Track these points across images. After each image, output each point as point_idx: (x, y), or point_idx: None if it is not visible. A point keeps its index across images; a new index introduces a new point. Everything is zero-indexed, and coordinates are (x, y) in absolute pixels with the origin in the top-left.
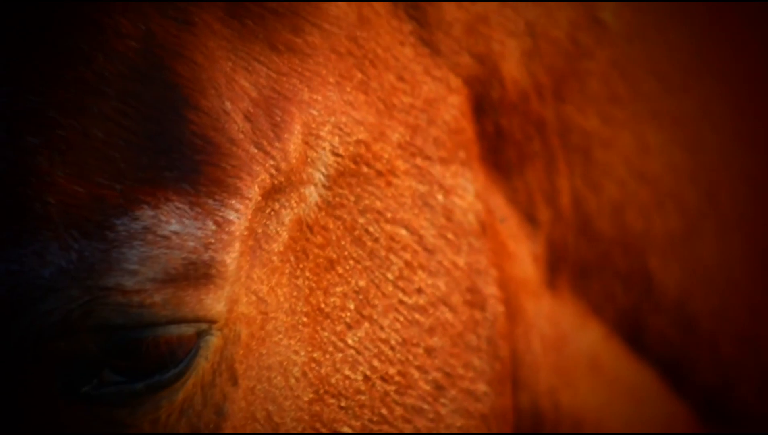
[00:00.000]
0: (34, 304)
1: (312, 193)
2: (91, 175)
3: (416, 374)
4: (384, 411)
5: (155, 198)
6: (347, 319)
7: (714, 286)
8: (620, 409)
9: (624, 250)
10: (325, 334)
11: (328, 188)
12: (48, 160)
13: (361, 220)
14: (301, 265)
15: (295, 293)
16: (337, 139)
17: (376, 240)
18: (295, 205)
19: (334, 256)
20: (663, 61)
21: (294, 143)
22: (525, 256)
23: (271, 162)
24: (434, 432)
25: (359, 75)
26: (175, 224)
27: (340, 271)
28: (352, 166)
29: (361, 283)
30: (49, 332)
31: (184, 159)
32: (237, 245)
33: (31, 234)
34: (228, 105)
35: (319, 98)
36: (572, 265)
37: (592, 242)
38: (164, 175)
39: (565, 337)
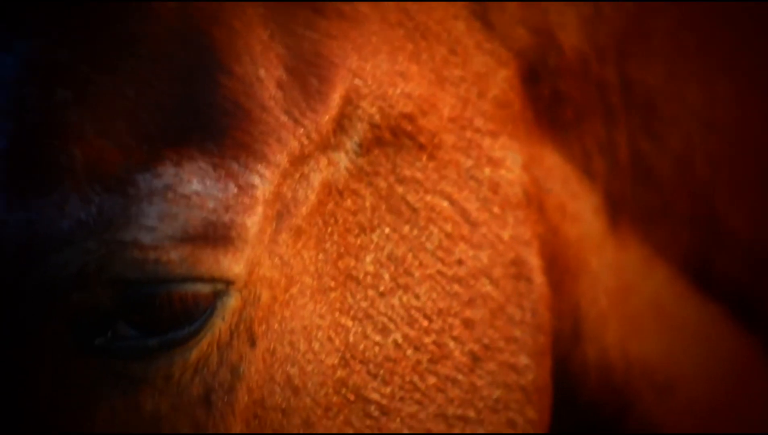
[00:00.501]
0: (50, 256)
1: (342, 159)
2: (119, 132)
3: (452, 345)
4: (416, 379)
5: (179, 156)
6: (380, 287)
7: None
8: (689, 353)
9: (689, 197)
10: (355, 299)
11: (361, 155)
12: (77, 115)
13: (400, 190)
14: (329, 230)
15: (322, 257)
16: (377, 110)
17: (415, 210)
18: (324, 169)
19: (368, 223)
20: (737, 9)
21: (328, 114)
22: (585, 212)
23: (302, 130)
24: (468, 402)
25: (411, 46)
26: (196, 184)
27: (374, 238)
28: (390, 137)
29: (398, 251)
30: (64, 284)
31: (212, 122)
32: (260, 209)
33: (53, 185)
34: (262, 72)
35: (368, 67)
36: (634, 213)
37: (654, 191)
38: (191, 137)
39: (630, 287)
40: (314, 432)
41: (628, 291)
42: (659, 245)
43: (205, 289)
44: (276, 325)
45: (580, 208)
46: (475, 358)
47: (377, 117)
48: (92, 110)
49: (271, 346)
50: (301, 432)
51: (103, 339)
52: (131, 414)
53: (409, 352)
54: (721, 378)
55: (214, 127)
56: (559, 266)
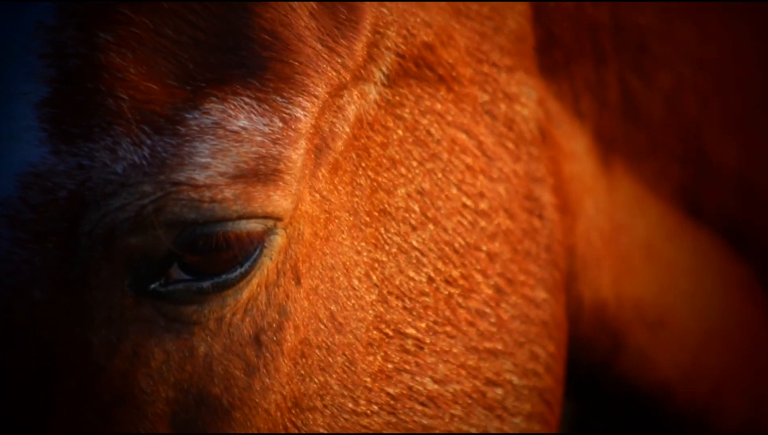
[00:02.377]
0: (106, 200)
1: (372, 91)
2: (162, 73)
3: (479, 278)
4: (448, 313)
5: (224, 93)
6: (411, 220)
7: None
8: (680, 288)
9: (678, 134)
10: (389, 234)
11: (388, 87)
12: (120, 57)
13: (423, 121)
14: (363, 164)
15: (357, 192)
16: (401, 39)
17: (438, 142)
18: (356, 101)
19: (397, 155)
20: None
21: (360, 41)
22: (579, 153)
23: (338, 59)
24: (496, 335)
25: None
26: (243, 120)
27: (403, 171)
28: (414, 68)
29: (425, 184)
30: (121, 227)
31: (252, 56)
32: (303, 142)
33: (103, 129)
34: (294, 2)
35: None
36: (624, 152)
37: (644, 129)
38: (233, 73)
39: (622, 227)
40: (356, 368)
41: (620, 231)
42: (650, 182)
43: (257, 227)
44: (318, 263)
45: (574, 148)
46: (499, 292)
47: (402, 46)
48: (134, 52)
49: (314, 284)
50: (345, 367)
51: (157, 283)
52: (185, 357)
53: (441, 286)
54: (713, 311)
55: (255, 60)
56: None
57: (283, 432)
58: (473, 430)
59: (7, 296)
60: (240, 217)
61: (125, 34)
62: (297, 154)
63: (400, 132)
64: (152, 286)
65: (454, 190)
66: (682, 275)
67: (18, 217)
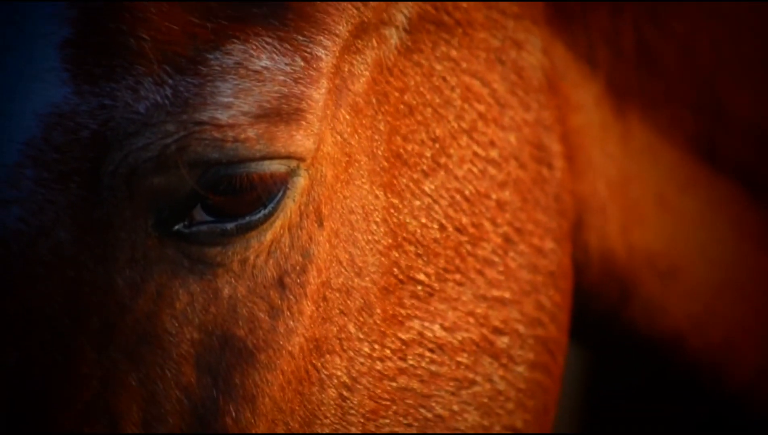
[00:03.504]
0: (129, 139)
1: (393, 35)
2: (183, 12)
3: (488, 226)
4: (458, 261)
5: (245, 33)
6: (424, 167)
7: None
8: (692, 238)
9: (693, 82)
10: (403, 180)
11: (408, 32)
12: None
13: (439, 67)
14: (382, 109)
15: (376, 137)
16: None
17: (452, 88)
18: (376, 45)
19: (413, 101)
20: None
21: None
22: (588, 102)
23: None
24: (504, 284)
25: None
26: (265, 59)
27: (419, 117)
28: (432, 11)
29: (438, 131)
30: (144, 167)
31: None
32: (324, 82)
33: (125, 69)
34: None
35: None
36: (639, 100)
37: (658, 77)
38: (253, 12)
39: (634, 177)
40: (372, 312)
41: (631, 180)
42: (664, 131)
43: (280, 168)
44: (338, 206)
45: (582, 98)
46: (508, 240)
47: None
48: None
49: (335, 227)
50: (363, 312)
51: (181, 225)
52: (209, 299)
53: (452, 233)
54: (726, 261)
55: None
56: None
57: (305, 375)
58: (478, 378)
59: (31, 235)
60: (263, 158)
61: None
62: (319, 94)
63: (417, 78)
64: (176, 227)
65: (466, 138)
66: (695, 225)
67: (41, 157)
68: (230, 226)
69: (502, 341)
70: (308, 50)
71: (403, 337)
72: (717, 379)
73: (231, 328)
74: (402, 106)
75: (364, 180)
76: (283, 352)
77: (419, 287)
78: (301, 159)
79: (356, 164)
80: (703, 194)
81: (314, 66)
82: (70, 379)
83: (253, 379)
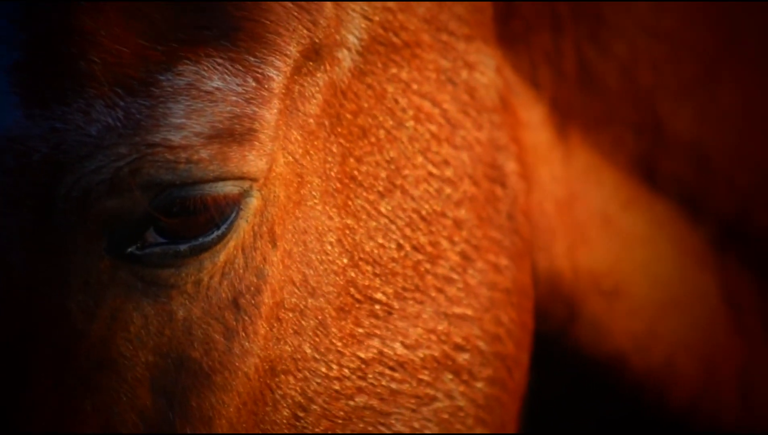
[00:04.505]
0: (82, 162)
1: (345, 57)
2: (133, 34)
3: (446, 244)
4: (416, 279)
5: (196, 55)
6: (379, 188)
7: (730, 123)
8: (635, 257)
9: (633, 103)
10: (359, 201)
11: (361, 54)
12: (91, 20)
13: (390, 89)
14: (335, 131)
15: (329, 159)
16: (365, 3)
17: (403, 110)
18: (329, 67)
19: (366, 124)
20: None
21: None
22: (535, 122)
23: (308, 17)
24: (464, 301)
25: None
26: (217, 80)
27: (373, 139)
28: (381, 32)
29: (392, 153)
30: (97, 190)
31: (223, 15)
32: (276, 102)
33: (76, 92)
34: None
35: None
36: (580, 121)
37: (599, 98)
38: (204, 34)
39: (577, 196)
40: (328, 332)
41: (575, 201)
42: (606, 151)
43: (233, 189)
44: (291, 226)
45: (530, 118)
46: (466, 258)
47: (368, 8)
48: (104, 13)
49: (289, 247)
50: (318, 332)
51: (134, 247)
52: (164, 322)
53: (410, 252)
54: (668, 280)
55: (227, 20)
56: None
57: (260, 396)
58: (439, 394)
59: None
60: (216, 179)
61: None
62: (270, 114)
63: (370, 100)
64: (129, 249)
65: (420, 158)
66: (638, 244)
67: None
68: (183, 247)
69: (463, 357)
70: (260, 71)
71: (362, 355)
72: (659, 398)
73: (186, 350)
74: (355, 129)
75: (316, 201)
76: (239, 373)
77: (377, 306)
78: (254, 179)
79: (308, 185)
80: (645, 214)
81: (266, 86)
82: (24, 407)
83: (209, 401)
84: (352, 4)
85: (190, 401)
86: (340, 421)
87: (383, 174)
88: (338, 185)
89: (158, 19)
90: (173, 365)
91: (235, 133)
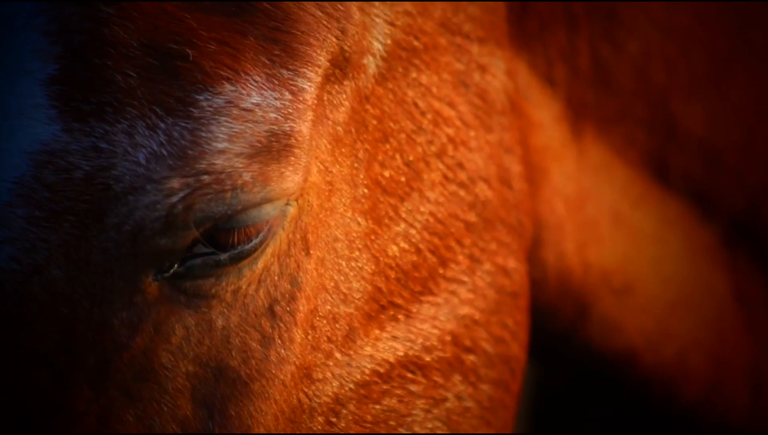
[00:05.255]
0: (134, 194)
1: (370, 63)
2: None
3: (457, 247)
4: (431, 283)
5: (233, 72)
6: (400, 192)
7: (740, 120)
8: (646, 254)
9: (646, 100)
10: (383, 206)
11: (384, 60)
12: (124, 30)
13: (410, 93)
14: (361, 137)
15: (356, 165)
16: (388, 8)
17: (423, 113)
18: (356, 74)
19: (388, 128)
20: None
21: (354, 6)
22: (548, 121)
23: (336, 25)
24: (474, 303)
25: None
26: (255, 96)
27: (394, 144)
28: (404, 36)
29: (411, 156)
30: (152, 228)
31: (256, 25)
32: (310, 114)
33: (117, 109)
34: None
35: None
36: (594, 118)
37: (613, 95)
38: (238, 48)
39: (589, 194)
40: (357, 337)
41: (587, 198)
42: (618, 148)
43: (275, 212)
44: (324, 234)
45: (542, 117)
46: (475, 260)
47: (390, 14)
48: (136, 24)
49: (322, 255)
50: (348, 338)
51: (177, 264)
52: (204, 331)
53: (427, 255)
54: (678, 277)
55: (260, 30)
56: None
57: (296, 403)
58: (449, 395)
59: (24, 273)
60: (262, 201)
61: (126, 6)
62: (305, 127)
63: (392, 105)
64: (173, 269)
65: (437, 161)
66: (649, 242)
67: (32, 195)
68: (224, 256)
69: (471, 359)
70: (294, 83)
71: (388, 359)
72: (669, 394)
73: (225, 359)
74: (379, 134)
75: (346, 208)
76: (276, 381)
77: (398, 310)
78: (291, 194)
79: (338, 193)
80: (656, 211)
81: (300, 99)
82: (67, 418)
83: (248, 409)
84: (376, 11)
85: (229, 410)
86: (368, 425)
87: (403, 178)
88: (365, 191)
89: (194, 27)
90: (212, 375)
91: (273, 150)
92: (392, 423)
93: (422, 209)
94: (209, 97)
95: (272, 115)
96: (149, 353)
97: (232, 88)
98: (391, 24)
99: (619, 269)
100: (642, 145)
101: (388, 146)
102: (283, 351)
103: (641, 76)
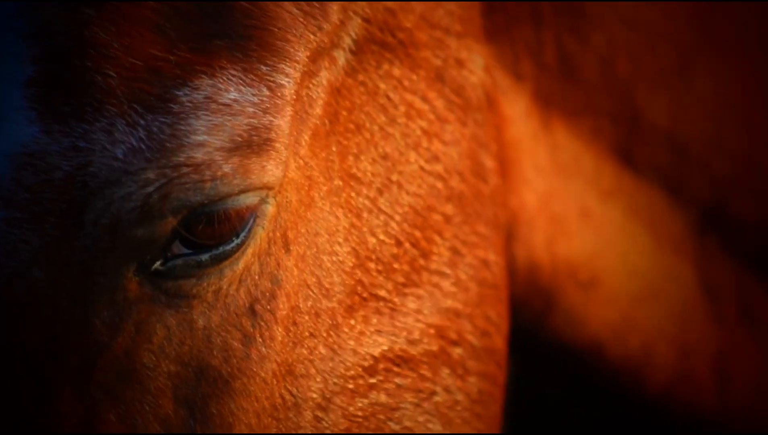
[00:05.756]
0: (110, 187)
1: (340, 57)
2: (145, 45)
3: (438, 240)
4: (414, 275)
5: (211, 67)
6: (378, 184)
7: (706, 112)
8: (613, 248)
9: (611, 92)
10: (360, 199)
11: (354, 53)
12: (104, 31)
13: (383, 86)
14: (334, 129)
15: (331, 157)
16: (367, 4)
17: (396, 106)
18: (328, 67)
19: (360, 120)
20: None
21: (334, 3)
22: (518, 116)
23: (314, 22)
24: (457, 296)
25: None
26: (233, 92)
27: (367, 136)
28: (378, 33)
29: (387, 148)
30: (128, 219)
31: (233, 24)
32: (288, 109)
33: (96, 109)
34: None
35: None
36: (562, 111)
37: (579, 88)
38: (215, 43)
39: (559, 188)
40: (341, 331)
41: (556, 192)
42: (586, 141)
43: (254, 199)
44: (303, 230)
45: (513, 112)
46: (456, 253)
47: (368, 10)
48: (116, 24)
49: (302, 251)
50: (331, 332)
51: (158, 263)
52: (185, 331)
53: (408, 248)
54: (645, 269)
55: (237, 29)
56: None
57: (279, 400)
58: (438, 389)
59: (5, 276)
60: (240, 192)
61: (107, 8)
62: (284, 122)
63: (363, 97)
64: (154, 266)
65: (413, 154)
66: (617, 234)
67: (13, 197)
68: (205, 257)
69: (457, 352)
70: (272, 79)
71: (371, 353)
72: (636, 384)
73: (206, 359)
74: (351, 125)
75: (324, 201)
76: (257, 378)
77: (381, 303)
78: (271, 188)
79: (317, 186)
80: (625, 202)
81: (279, 94)
82: (50, 418)
83: (229, 407)
84: (354, 7)
85: (210, 408)
86: (358, 420)
87: (380, 170)
88: (340, 183)
89: (168, 27)
90: (194, 374)
91: (253, 145)
92: (381, 417)
93: (401, 201)
94: (188, 93)
95: (250, 109)
96: (131, 353)
97: (210, 83)
98: (367, 21)
99: (586, 263)
100: (609, 137)
101: (360, 138)
102: (264, 349)
103: (606, 69)
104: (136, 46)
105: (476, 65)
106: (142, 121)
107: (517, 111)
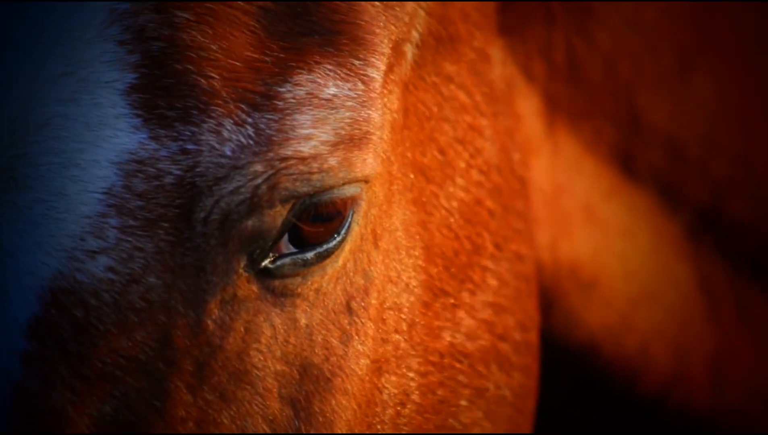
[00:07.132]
0: (219, 184)
1: (409, 51)
2: (242, 46)
3: (486, 234)
4: (469, 271)
5: (307, 63)
6: (437, 179)
7: (704, 114)
8: (613, 249)
9: (612, 94)
10: (426, 193)
11: (418, 48)
12: (202, 35)
13: (437, 81)
14: (406, 123)
15: (406, 153)
16: None
17: (447, 100)
18: (400, 62)
19: (423, 114)
20: None
21: None
22: (529, 114)
23: (393, 14)
24: (501, 291)
25: None
26: (332, 87)
27: (428, 130)
28: (436, 26)
29: (442, 142)
30: (238, 211)
31: (322, 20)
32: (379, 102)
33: (203, 111)
34: None
35: None
36: (566, 112)
37: (584, 89)
38: (306, 40)
39: (563, 189)
40: (418, 327)
41: (560, 192)
42: (588, 142)
43: (356, 190)
44: (388, 225)
45: (525, 110)
46: (498, 247)
47: (430, 3)
48: (212, 28)
49: (387, 247)
50: (411, 328)
51: (267, 260)
52: (289, 330)
53: (464, 242)
54: (644, 271)
55: (326, 24)
56: None
57: (371, 396)
58: (489, 385)
59: (122, 283)
60: (344, 184)
61: (201, 11)
62: (378, 115)
63: (422, 92)
64: (263, 263)
65: (461, 148)
66: (617, 235)
67: (124, 205)
68: (310, 255)
69: (504, 347)
70: (365, 73)
71: (440, 349)
72: (631, 383)
73: (309, 357)
74: (416, 120)
75: (401, 196)
76: (354, 376)
77: (447, 298)
78: (368, 181)
79: (396, 181)
80: (625, 204)
81: (371, 87)
82: (167, 424)
83: (331, 405)
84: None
85: (313, 406)
86: (428, 416)
87: (438, 164)
88: (412, 178)
89: (257, 27)
90: (297, 372)
91: (354, 138)
92: (445, 413)
93: (456, 196)
94: (291, 89)
95: (350, 103)
96: (242, 354)
97: (309, 78)
98: (429, 13)
99: (588, 264)
100: (609, 139)
101: (423, 133)
102: (359, 346)
103: (609, 71)
104: (233, 48)
105: (497, 59)
106: (249, 119)
107: (529, 109)
